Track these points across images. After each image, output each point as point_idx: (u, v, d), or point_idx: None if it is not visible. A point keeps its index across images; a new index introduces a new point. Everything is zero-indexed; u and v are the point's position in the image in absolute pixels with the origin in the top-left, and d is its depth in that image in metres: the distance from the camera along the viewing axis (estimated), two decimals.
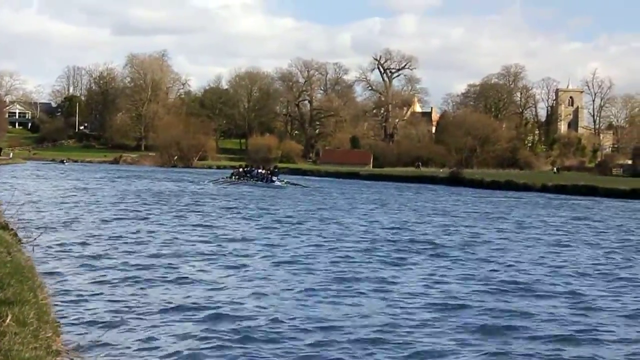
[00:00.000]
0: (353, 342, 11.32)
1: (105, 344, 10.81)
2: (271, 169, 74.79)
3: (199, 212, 36.02)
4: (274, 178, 69.49)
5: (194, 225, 28.76)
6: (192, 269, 17.75)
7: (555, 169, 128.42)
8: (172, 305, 13.45)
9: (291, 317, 12.72)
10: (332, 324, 12.32)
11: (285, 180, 70.62)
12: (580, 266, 20.33)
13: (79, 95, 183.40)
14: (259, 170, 73.41)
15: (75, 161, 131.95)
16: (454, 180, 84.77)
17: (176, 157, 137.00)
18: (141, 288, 15.05)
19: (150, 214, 33.31)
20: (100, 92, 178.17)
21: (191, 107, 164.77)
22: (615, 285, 17.26)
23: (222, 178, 75.01)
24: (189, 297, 14.27)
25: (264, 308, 13.45)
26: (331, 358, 10.61)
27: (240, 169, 77.57)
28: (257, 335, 11.57)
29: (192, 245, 22.57)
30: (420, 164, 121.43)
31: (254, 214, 36.20)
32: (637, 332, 12.65)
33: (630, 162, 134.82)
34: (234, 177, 74.42)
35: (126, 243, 22.31)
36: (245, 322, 12.28)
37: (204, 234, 25.91)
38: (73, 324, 11.74)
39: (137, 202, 41.94)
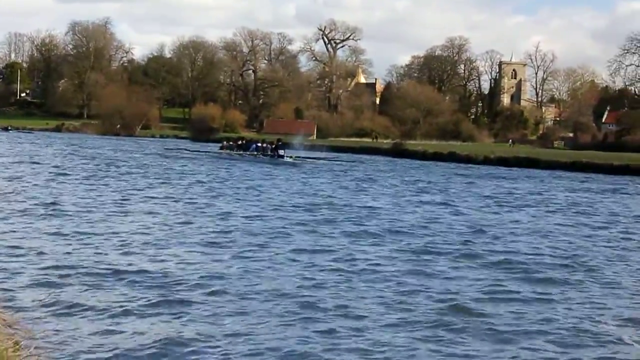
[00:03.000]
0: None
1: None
2: (275, 142, 60.97)
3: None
4: (282, 152, 57.90)
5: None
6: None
7: (510, 141, 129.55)
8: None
9: None
10: None
11: (294, 156, 58.42)
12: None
13: (20, 62, 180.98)
14: (258, 144, 62.53)
15: (18, 129, 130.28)
16: (397, 152, 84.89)
17: (119, 125, 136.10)
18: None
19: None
20: (43, 59, 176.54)
21: (134, 76, 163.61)
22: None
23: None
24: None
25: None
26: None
27: (231, 142, 67.30)
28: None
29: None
30: (377, 136, 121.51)
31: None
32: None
33: (571, 134, 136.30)
34: (224, 151, 64.40)
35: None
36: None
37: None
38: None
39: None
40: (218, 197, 29.08)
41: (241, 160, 58.83)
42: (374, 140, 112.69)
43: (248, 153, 61.13)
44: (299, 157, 58.96)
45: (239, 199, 28.40)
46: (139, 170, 44.12)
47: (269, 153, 58.84)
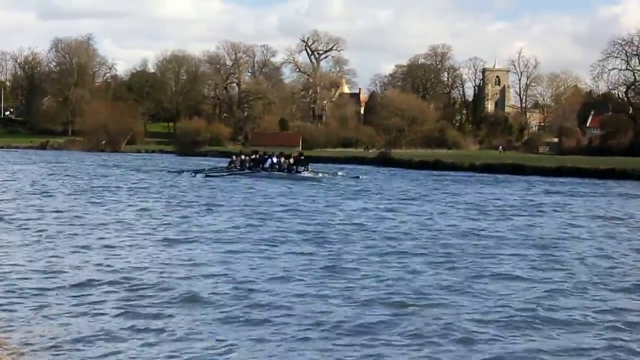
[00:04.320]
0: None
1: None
2: (295, 155, 54.43)
3: None
4: (300, 168, 51.43)
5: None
6: None
7: (501, 147, 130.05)
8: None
9: None
10: None
11: (321, 173, 52.62)
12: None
13: (4, 80, 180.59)
14: (274, 159, 53.93)
15: (2, 147, 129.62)
16: (383, 161, 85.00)
17: (104, 141, 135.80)
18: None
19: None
20: (26, 77, 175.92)
21: (118, 92, 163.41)
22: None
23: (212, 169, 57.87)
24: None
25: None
26: None
27: (244, 157, 57.51)
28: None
29: None
30: (368, 146, 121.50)
31: None
32: None
33: (556, 140, 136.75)
34: (233, 166, 56.70)
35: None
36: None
37: None
38: None
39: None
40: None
41: (257, 178, 50.54)
42: (366, 150, 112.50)
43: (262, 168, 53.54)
44: (315, 170, 52.72)
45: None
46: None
47: (286, 169, 51.93)
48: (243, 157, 57.44)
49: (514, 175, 62.84)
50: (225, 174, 53.90)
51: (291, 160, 52.47)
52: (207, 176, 52.55)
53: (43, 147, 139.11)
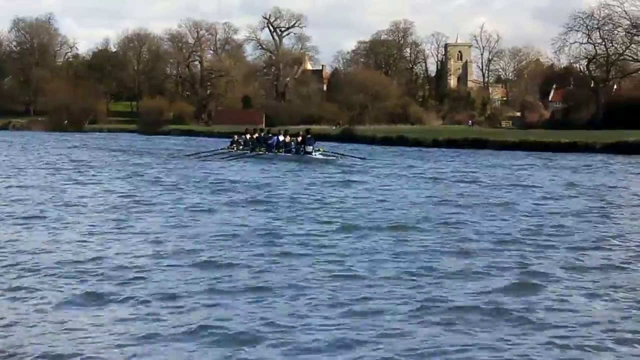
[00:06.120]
0: None
1: None
2: (302, 134, 47.60)
3: None
4: (309, 148, 45.59)
5: None
6: None
7: (470, 122, 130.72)
8: None
9: None
10: None
11: (323, 149, 47.48)
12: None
13: None
14: (279, 137, 49.31)
15: None
16: (347, 137, 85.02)
17: (66, 121, 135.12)
18: None
19: None
20: None
21: (80, 71, 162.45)
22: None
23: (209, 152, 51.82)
24: None
25: None
26: None
27: (248, 136, 52.12)
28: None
29: None
30: (339, 123, 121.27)
31: None
32: None
33: (519, 114, 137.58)
34: (235, 147, 51.67)
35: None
36: None
37: None
38: None
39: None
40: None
41: (262, 161, 45.73)
42: (337, 127, 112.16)
43: (267, 148, 48.99)
44: (327, 151, 47.59)
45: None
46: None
47: (294, 148, 46.77)
48: (247, 136, 52.07)
49: (477, 150, 63.11)
50: (226, 156, 48.53)
51: (299, 139, 46.93)
52: (204, 159, 47.63)
53: (5, 127, 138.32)
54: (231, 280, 12.38)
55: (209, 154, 50.53)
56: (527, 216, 20.56)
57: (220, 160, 46.62)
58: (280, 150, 47.66)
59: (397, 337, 9.55)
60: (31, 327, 9.97)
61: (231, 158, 47.57)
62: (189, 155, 51.40)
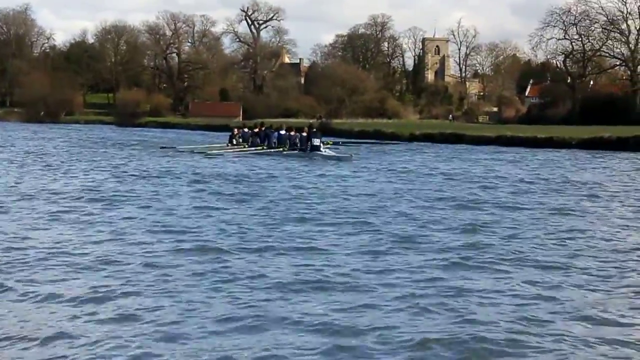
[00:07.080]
0: None
1: None
2: (307, 129, 45.41)
3: None
4: (317, 142, 42.47)
5: None
6: None
7: (451, 117, 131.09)
8: None
9: None
10: None
11: (331, 143, 46.12)
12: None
13: None
14: (282, 132, 45.48)
15: None
16: (323, 130, 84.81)
17: (43, 112, 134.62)
18: None
19: None
20: None
21: (57, 62, 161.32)
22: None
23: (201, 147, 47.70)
24: None
25: None
26: None
27: (247, 130, 48.69)
28: None
29: None
30: (321, 116, 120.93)
31: None
32: None
33: (495, 109, 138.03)
34: (235, 142, 47.20)
35: None
36: None
37: None
38: None
39: None
40: None
41: (265, 158, 41.39)
42: (319, 120, 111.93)
43: (267, 144, 45.28)
44: (337, 142, 45.90)
45: None
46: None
47: (299, 143, 43.27)
48: (246, 130, 48.53)
49: (455, 145, 63.27)
50: (224, 152, 44.53)
51: (304, 134, 43.80)
52: (206, 155, 42.81)
53: None
54: (228, 271, 12.51)
55: (203, 149, 46.30)
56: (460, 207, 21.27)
57: (211, 158, 41.34)
58: (285, 147, 43.60)
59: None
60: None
61: (229, 154, 43.60)
62: (165, 147, 49.23)
